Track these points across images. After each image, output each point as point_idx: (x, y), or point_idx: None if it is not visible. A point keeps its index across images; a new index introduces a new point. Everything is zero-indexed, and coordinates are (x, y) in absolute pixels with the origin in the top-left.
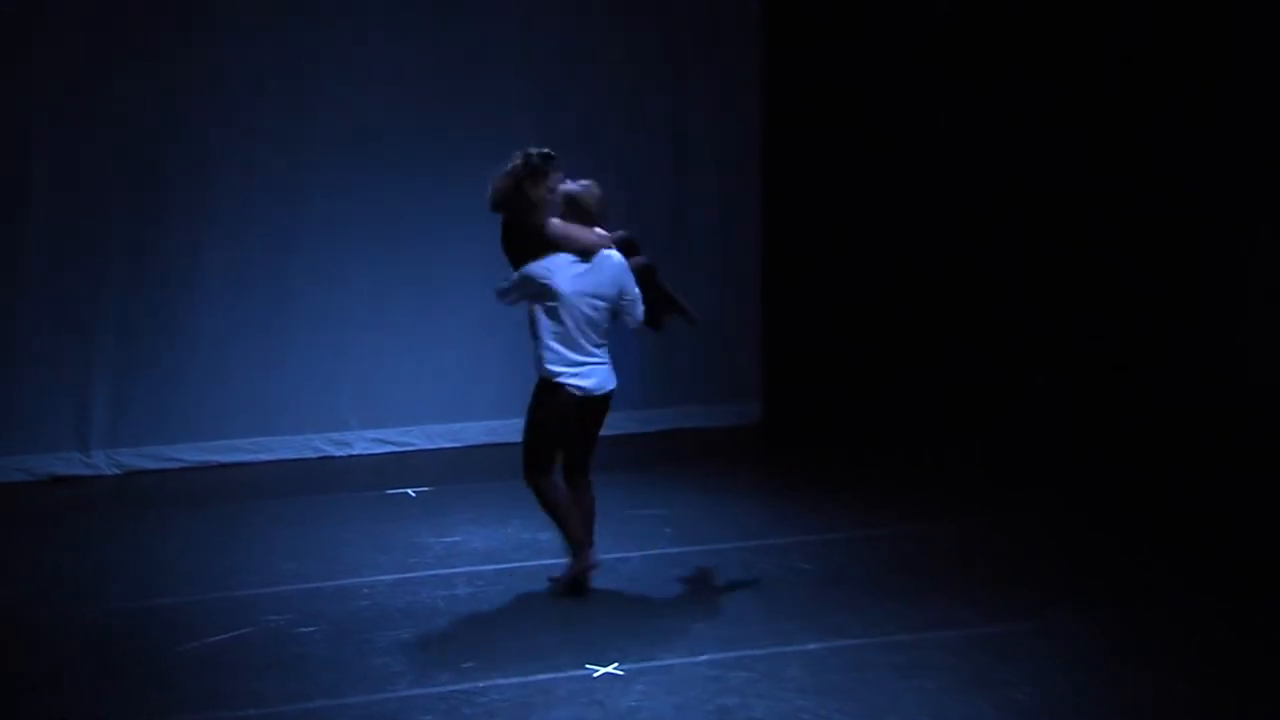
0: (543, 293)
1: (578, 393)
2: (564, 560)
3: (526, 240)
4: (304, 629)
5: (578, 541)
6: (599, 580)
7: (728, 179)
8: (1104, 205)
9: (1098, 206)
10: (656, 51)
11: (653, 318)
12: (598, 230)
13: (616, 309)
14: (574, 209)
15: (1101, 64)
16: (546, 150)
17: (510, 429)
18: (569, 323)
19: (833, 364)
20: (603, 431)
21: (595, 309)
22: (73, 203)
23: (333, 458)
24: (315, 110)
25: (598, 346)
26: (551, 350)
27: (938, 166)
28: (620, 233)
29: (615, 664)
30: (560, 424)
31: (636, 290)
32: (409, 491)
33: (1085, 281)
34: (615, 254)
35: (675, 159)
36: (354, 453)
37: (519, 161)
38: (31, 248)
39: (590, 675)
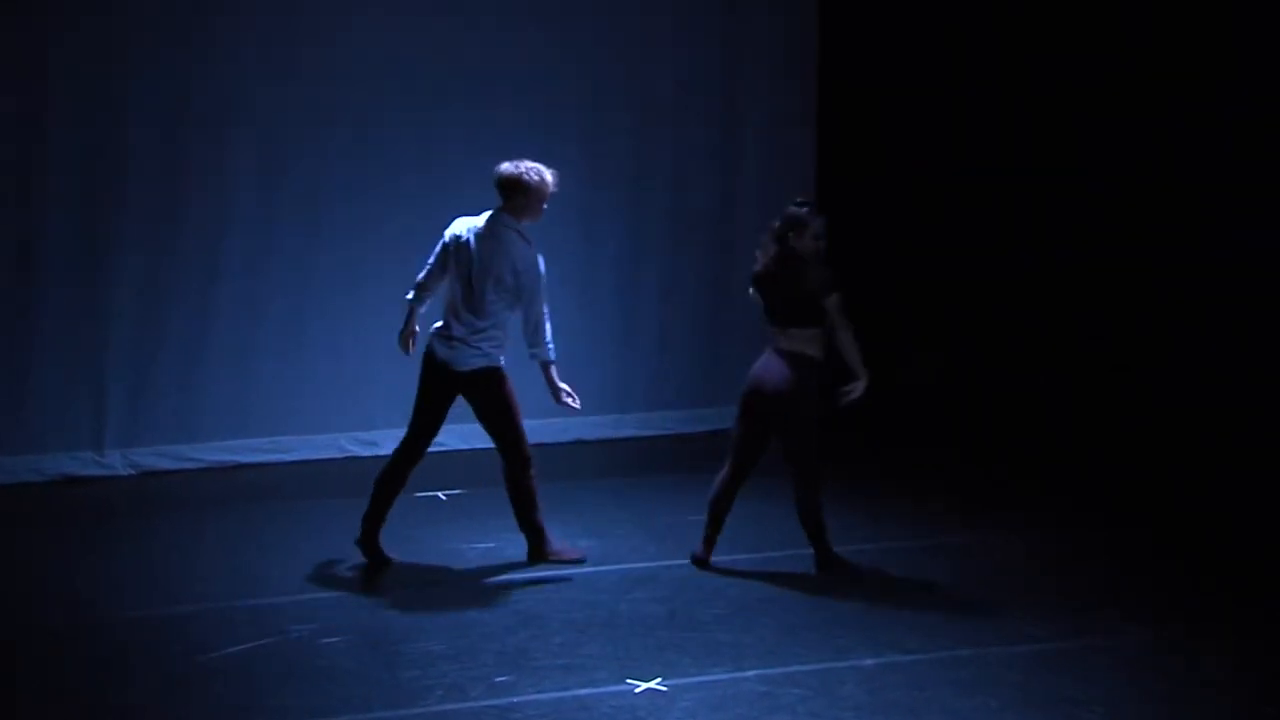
0: None
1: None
2: (605, 568)
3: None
4: (329, 639)
5: None
6: (643, 590)
7: (779, 173)
8: (1114, 205)
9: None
10: (707, 20)
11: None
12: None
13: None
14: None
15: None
16: (803, 199)
17: (546, 429)
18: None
19: (889, 366)
20: (648, 431)
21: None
22: (88, 196)
23: (359, 458)
24: (338, 100)
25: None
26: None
27: (990, 152)
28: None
29: (658, 679)
30: None
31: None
32: (440, 495)
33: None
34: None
35: (723, 152)
36: (382, 453)
37: (778, 223)
38: (47, 240)
39: (632, 691)
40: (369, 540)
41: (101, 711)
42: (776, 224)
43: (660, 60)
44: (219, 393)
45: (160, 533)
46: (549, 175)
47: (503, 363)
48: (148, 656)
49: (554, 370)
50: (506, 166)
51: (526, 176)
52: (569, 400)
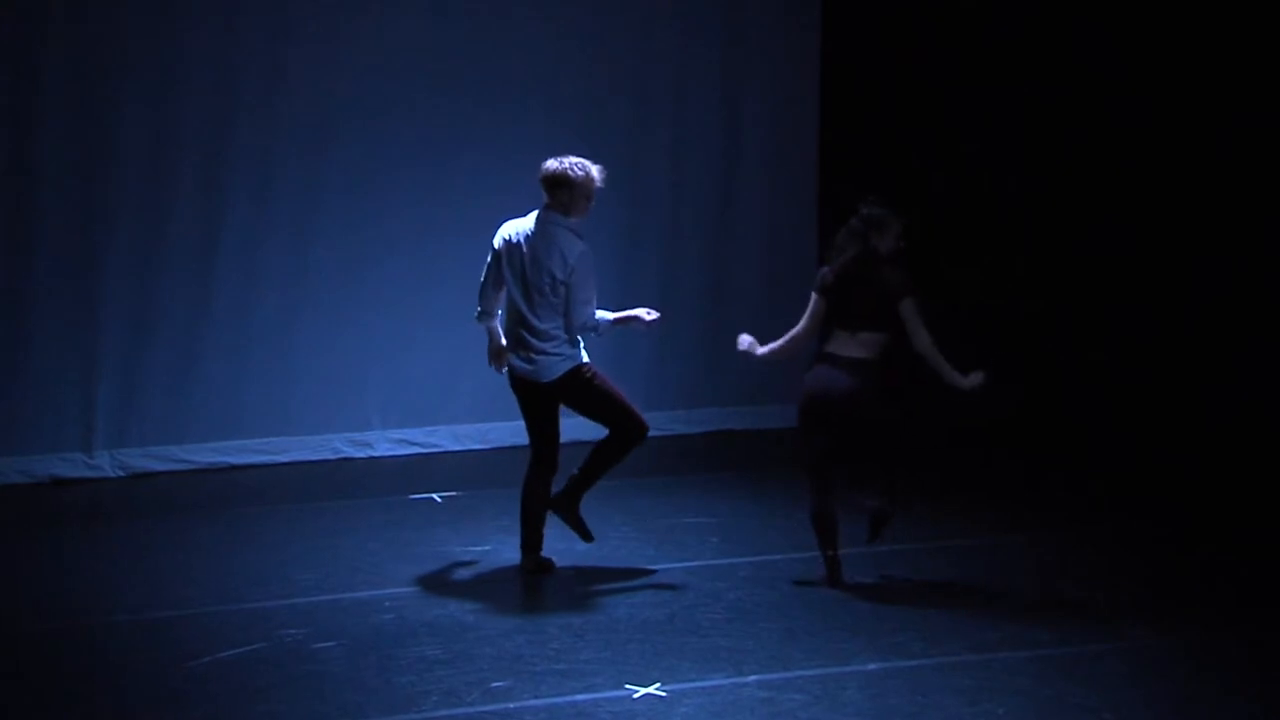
0: None
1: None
2: (603, 571)
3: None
4: (322, 644)
5: None
6: (641, 594)
7: (780, 170)
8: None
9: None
10: (710, 25)
11: None
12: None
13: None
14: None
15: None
16: (874, 198)
17: None
18: None
19: (892, 363)
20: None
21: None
22: (79, 196)
23: (353, 460)
24: (332, 100)
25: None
26: None
27: (998, 156)
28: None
29: (657, 684)
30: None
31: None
32: (435, 497)
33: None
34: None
35: (724, 147)
36: (376, 454)
37: (856, 221)
38: (37, 240)
39: (630, 696)
40: (533, 562)
41: (92, 718)
42: (855, 223)
43: (660, 59)
44: (210, 393)
45: (150, 535)
46: (595, 171)
47: (586, 357)
48: (137, 662)
49: (612, 317)
50: (551, 163)
51: (572, 172)
52: (650, 316)
